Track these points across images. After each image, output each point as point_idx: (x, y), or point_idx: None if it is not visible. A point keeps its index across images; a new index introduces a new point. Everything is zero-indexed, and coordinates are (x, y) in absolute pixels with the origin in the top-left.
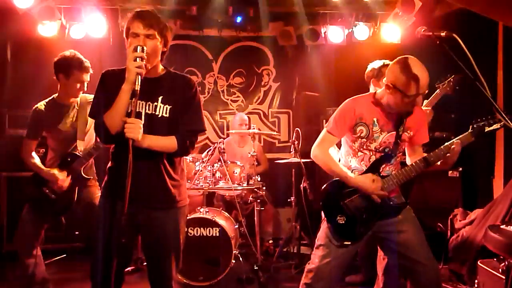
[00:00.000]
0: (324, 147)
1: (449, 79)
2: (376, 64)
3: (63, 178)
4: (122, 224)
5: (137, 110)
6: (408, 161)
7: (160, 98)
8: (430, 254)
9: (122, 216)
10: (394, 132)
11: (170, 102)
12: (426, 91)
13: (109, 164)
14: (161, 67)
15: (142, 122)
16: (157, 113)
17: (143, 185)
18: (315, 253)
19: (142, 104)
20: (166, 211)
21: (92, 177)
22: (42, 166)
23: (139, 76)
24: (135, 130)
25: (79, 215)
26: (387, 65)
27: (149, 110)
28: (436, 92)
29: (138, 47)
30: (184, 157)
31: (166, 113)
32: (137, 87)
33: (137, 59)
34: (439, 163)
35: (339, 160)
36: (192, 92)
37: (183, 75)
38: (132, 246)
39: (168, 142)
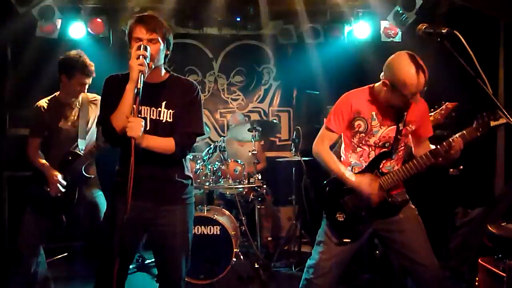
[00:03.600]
0: (324, 144)
1: (441, 107)
2: None
3: (62, 184)
4: (124, 222)
5: (142, 116)
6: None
7: (163, 103)
8: (431, 254)
9: (125, 214)
10: (395, 126)
11: (173, 106)
12: (425, 88)
13: (118, 167)
14: (163, 71)
15: (143, 121)
16: (161, 118)
17: (151, 180)
18: (315, 250)
19: (147, 109)
20: (173, 208)
21: (93, 176)
22: (48, 165)
23: (142, 74)
24: (136, 128)
25: (80, 214)
26: None
27: (153, 115)
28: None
29: (142, 45)
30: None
31: (170, 118)
32: (140, 85)
33: (140, 57)
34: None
35: (341, 158)
36: (193, 95)
37: (185, 79)
38: (137, 245)
39: (166, 143)
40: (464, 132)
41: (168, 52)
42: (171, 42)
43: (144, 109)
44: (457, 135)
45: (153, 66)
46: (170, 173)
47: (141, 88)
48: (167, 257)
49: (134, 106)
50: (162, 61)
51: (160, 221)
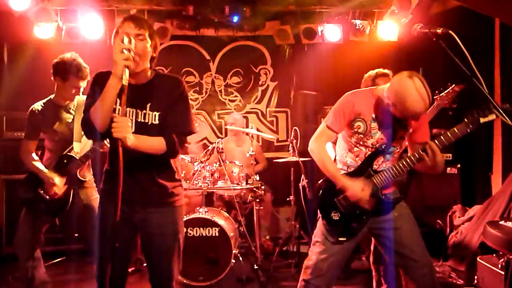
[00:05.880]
0: (322, 141)
1: (448, 90)
2: (371, 73)
3: (59, 186)
4: (115, 226)
5: (128, 117)
6: None
7: (148, 106)
8: (425, 251)
9: (115, 218)
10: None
11: (158, 108)
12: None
13: (105, 167)
14: (149, 72)
15: (130, 120)
16: (147, 120)
17: (138, 185)
18: (312, 250)
19: (133, 112)
20: (162, 210)
21: (88, 179)
22: (43, 168)
23: (127, 70)
24: (123, 129)
25: (75, 217)
26: (382, 74)
27: (139, 118)
28: (433, 105)
29: (125, 38)
30: (182, 156)
31: (155, 120)
32: (125, 82)
33: (124, 50)
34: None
35: (335, 155)
36: (178, 93)
37: (171, 77)
38: (130, 247)
39: (156, 143)
40: (455, 129)
41: (155, 55)
42: (157, 45)
43: (129, 111)
44: (448, 131)
45: (138, 60)
46: (158, 175)
47: (126, 84)
48: (158, 258)
49: (120, 105)
50: (149, 64)
51: (150, 223)
